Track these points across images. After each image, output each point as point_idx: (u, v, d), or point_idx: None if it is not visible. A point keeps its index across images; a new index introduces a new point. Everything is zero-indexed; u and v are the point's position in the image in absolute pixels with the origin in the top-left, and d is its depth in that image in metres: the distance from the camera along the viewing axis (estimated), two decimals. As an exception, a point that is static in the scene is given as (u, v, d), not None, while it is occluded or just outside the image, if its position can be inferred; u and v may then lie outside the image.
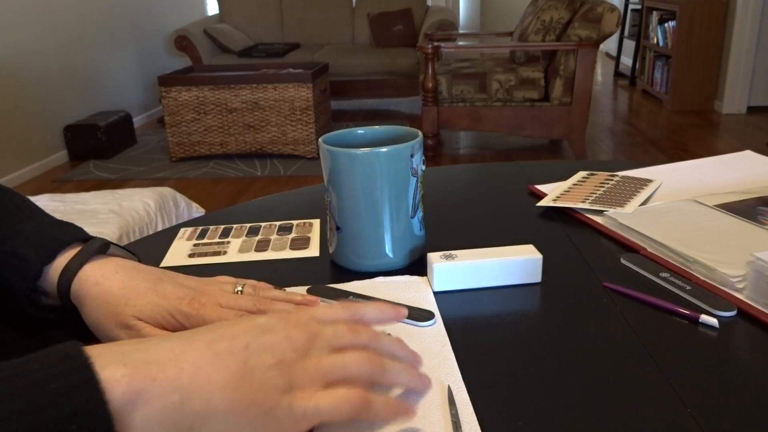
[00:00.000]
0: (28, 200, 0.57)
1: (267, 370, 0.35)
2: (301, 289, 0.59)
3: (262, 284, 0.54)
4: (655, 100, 5.06)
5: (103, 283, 0.48)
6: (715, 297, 0.54)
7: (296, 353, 0.37)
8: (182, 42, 4.69)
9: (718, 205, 0.69)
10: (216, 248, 0.69)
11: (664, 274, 0.58)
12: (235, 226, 0.75)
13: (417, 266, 0.63)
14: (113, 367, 0.31)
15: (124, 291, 0.48)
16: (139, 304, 0.47)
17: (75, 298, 0.49)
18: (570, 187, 0.80)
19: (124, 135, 4.17)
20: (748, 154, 0.90)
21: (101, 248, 0.51)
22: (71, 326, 0.50)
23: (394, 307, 0.44)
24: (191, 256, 0.68)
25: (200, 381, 0.33)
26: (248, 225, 0.75)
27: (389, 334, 0.44)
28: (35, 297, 0.51)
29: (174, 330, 0.47)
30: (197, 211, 2.29)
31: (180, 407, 0.33)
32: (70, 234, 0.52)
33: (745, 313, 0.52)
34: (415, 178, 0.61)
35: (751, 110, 4.55)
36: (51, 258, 0.50)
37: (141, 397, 0.32)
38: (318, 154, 2.53)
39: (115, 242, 0.54)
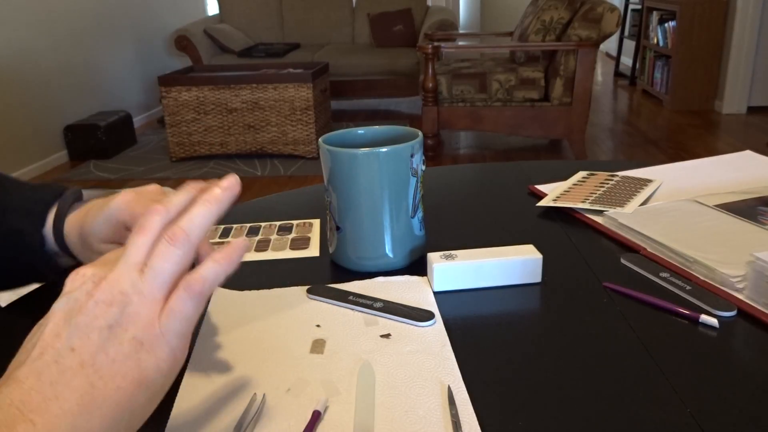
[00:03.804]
0: (2, 173, 0.60)
1: (106, 352, 0.33)
2: (301, 290, 0.59)
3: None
4: (655, 100, 5.06)
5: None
6: (715, 297, 0.54)
7: (117, 308, 0.34)
8: (182, 42, 4.69)
9: (718, 205, 0.69)
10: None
11: (664, 274, 0.58)
12: (235, 226, 0.75)
13: (417, 266, 0.63)
14: None
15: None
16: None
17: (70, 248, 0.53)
18: (570, 187, 0.80)
19: (124, 135, 4.17)
20: (748, 154, 0.90)
21: (75, 199, 0.55)
22: None
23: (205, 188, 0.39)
24: (191, 256, 0.68)
25: (53, 422, 0.31)
26: (248, 225, 0.75)
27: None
28: (53, 262, 0.54)
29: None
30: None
31: None
32: (49, 194, 0.55)
33: (745, 313, 0.52)
34: (415, 178, 0.61)
35: (751, 110, 4.55)
36: (43, 222, 0.53)
37: None
38: (318, 154, 2.53)
39: None
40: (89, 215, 0.51)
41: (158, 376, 0.34)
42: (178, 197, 0.38)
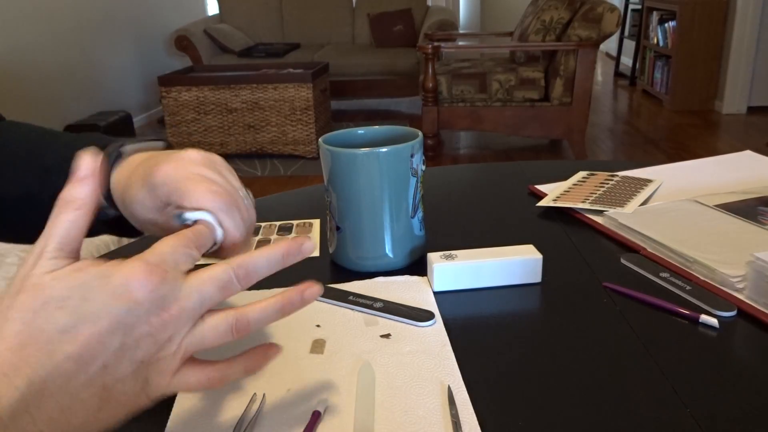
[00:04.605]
0: (39, 129, 0.56)
1: (125, 383, 0.33)
2: (301, 289, 0.59)
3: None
4: (655, 100, 5.06)
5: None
6: (715, 297, 0.54)
7: (156, 346, 0.33)
8: (182, 42, 4.69)
9: (718, 205, 0.69)
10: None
11: (664, 274, 0.58)
12: (235, 226, 0.75)
13: (417, 266, 0.63)
14: None
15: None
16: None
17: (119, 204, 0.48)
18: (570, 187, 0.80)
19: (124, 135, 4.17)
20: (748, 154, 0.90)
21: (117, 157, 0.50)
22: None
23: (288, 245, 0.38)
24: (191, 256, 0.68)
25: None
26: (248, 225, 0.75)
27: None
28: (102, 215, 0.50)
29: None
30: (197, 211, 2.28)
31: None
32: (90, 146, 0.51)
33: (745, 313, 0.52)
34: (415, 178, 0.61)
35: (751, 110, 4.55)
36: None
37: None
38: (318, 154, 2.53)
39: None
40: (132, 187, 0.46)
41: (136, 412, 0.35)
42: (261, 260, 0.36)
